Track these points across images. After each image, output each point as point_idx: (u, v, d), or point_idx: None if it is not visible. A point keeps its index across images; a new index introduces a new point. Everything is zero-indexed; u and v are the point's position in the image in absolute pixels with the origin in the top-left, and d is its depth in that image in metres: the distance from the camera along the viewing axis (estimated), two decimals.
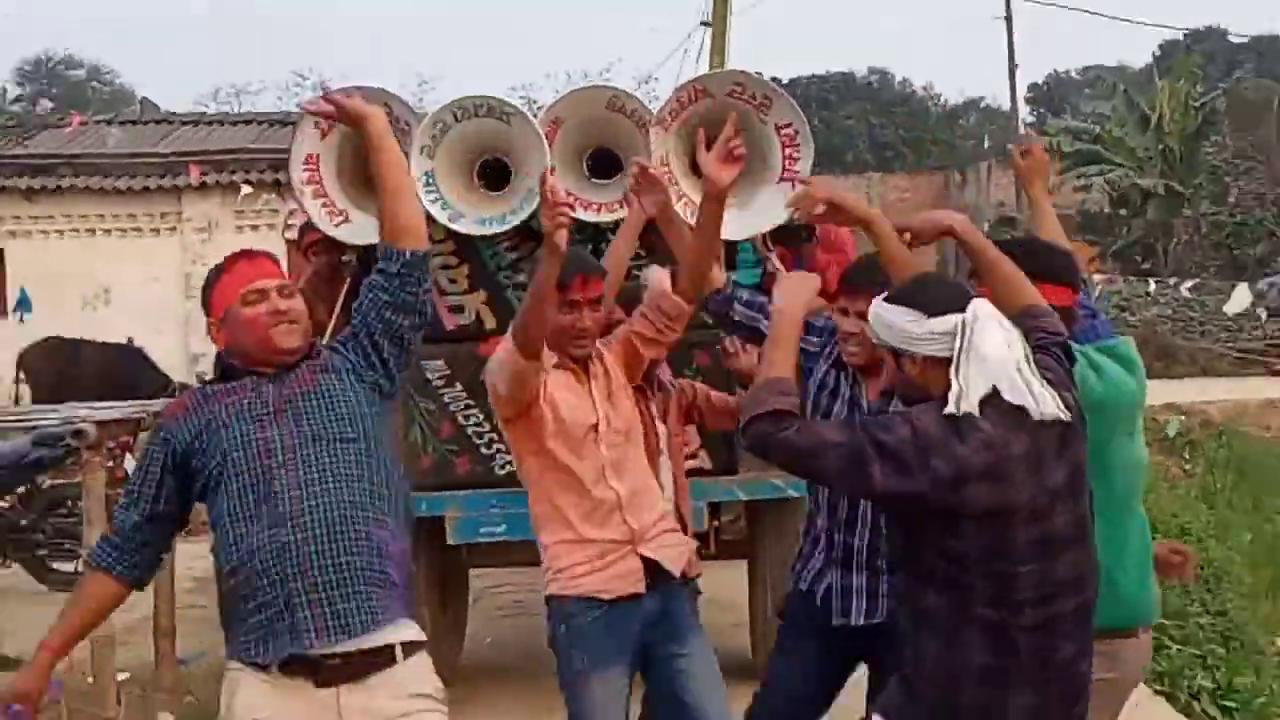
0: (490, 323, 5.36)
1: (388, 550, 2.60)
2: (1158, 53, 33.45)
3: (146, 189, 16.20)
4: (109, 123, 19.72)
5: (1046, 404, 2.39)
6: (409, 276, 2.61)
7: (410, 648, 2.54)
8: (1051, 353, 2.58)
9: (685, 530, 3.66)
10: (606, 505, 3.25)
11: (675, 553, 3.32)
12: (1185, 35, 28.65)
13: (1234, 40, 34.34)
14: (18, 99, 29.31)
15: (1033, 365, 2.44)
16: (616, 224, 4.90)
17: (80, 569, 5.97)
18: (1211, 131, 22.25)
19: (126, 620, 5.64)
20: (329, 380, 2.65)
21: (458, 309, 5.43)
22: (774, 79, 4.99)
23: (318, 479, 2.52)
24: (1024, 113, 9.37)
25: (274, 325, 2.57)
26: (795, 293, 2.84)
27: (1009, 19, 8.36)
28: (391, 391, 2.77)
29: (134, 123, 20.02)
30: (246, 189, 15.99)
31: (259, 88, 33.35)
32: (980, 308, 2.44)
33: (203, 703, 5.55)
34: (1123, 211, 20.84)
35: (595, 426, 3.33)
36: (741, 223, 4.91)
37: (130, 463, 8.12)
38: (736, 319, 3.51)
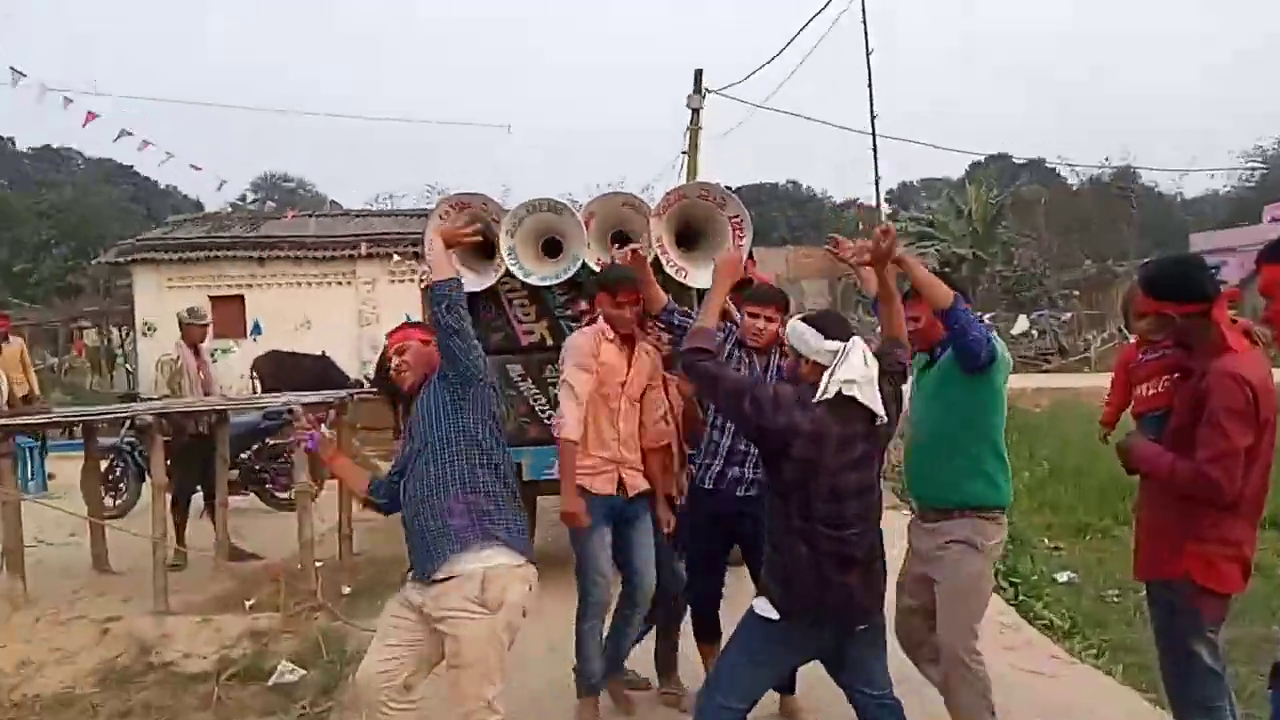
0: (550, 340, 6.46)
1: (451, 510, 3.27)
2: (968, 168, 39.89)
3: (333, 258, 19.37)
4: (310, 215, 23.51)
5: (879, 408, 3.14)
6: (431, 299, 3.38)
7: (453, 578, 3.22)
8: (890, 378, 3.30)
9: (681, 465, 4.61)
10: (607, 438, 4.39)
11: (637, 480, 4.39)
12: (985, 158, 33.90)
13: (1016, 161, 41.30)
14: (253, 200, 34.68)
15: (876, 383, 3.15)
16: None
17: (292, 497, 7.65)
18: (1002, 219, 29.22)
19: (322, 529, 7.05)
20: (429, 391, 3.45)
21: (529, 332, 6.54)
22: (727, 186, 6.48)
23: (419, 469, 3.37)
24: (885, 208, 11.48)
25: (398, 374, 3.54)
26: (725, 270, 3.63)
27: (875, 149, 10.52)
28: (466, 380, 3.35)
29: (326, 215, 23.97)
30: (397, 257, 19.21)
31: (404, 193, 39.57)
32: (855, 343, 3.16)
33: (367, 579, 6.90)
34: (948, 269, 25.47)
35: (622, 384, 4.39)
36: (706, 276, 5.01)
37: (326, 431, 10.46)
38: (675, 323, 4.56)
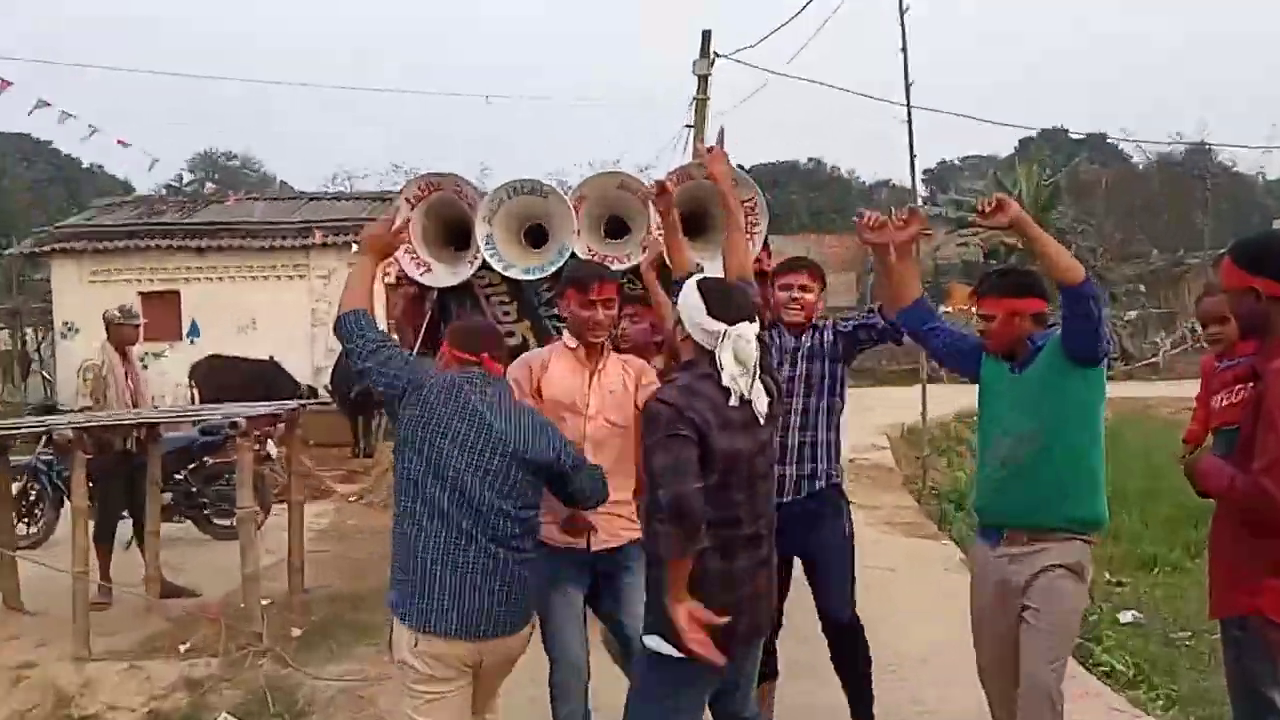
0: (533, 343, 6.19)
1: None
2: (1017, 145, 40.27)
3: (283, 247, 19.36)
4: (256, 199, 23.57)
5: (761, 400, 3.14)
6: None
7: None
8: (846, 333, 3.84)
9: None
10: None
11: (613, 527, 3.99)
12: (1037, 132, 34.05)
13: (1073, 137, 41.14)
14: (190, 182, 34.75)
15: (757, 370, 3.12)
16: (628, 271, 5.98)
17: (234, 524, 7.42)
18: (1056, 203, 28.49)
19: (268, 561, 7.06)
20: None
21: (510, 334, 6.24)
22: (740, 165, 6.50)
23: None
24: (921, 190, 11.38)
25: None
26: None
27: (910, 121, 10.46)
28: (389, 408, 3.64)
29: (274, 199, 24.19)
30: (355, 247, 19.30)
31: (365, 173, 39.46)
32: (741, 329, 3.10)
33: (321, 620, 6.80)
34: (993, 261, 25.02)
35: (579, 410, 4.00)
36: (716, 268, 5.33)
37: (271, 447, 9.85)
38: None
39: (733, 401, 3.07)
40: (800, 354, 4.54)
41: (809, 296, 4.55)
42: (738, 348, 3.07)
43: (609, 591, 4.05)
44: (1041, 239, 3.61)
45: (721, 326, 3.08)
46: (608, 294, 4.00)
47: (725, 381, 3.06)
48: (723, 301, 3.15)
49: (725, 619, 2.92)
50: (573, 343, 4.08)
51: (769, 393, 3.18)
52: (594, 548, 3.97)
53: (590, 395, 4.00)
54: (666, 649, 3.01)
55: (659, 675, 3.11)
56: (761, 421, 3.15)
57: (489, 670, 3.54)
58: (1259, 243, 3.18)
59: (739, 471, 3.09)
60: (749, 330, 3.10)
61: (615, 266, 5.98)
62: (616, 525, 4.00)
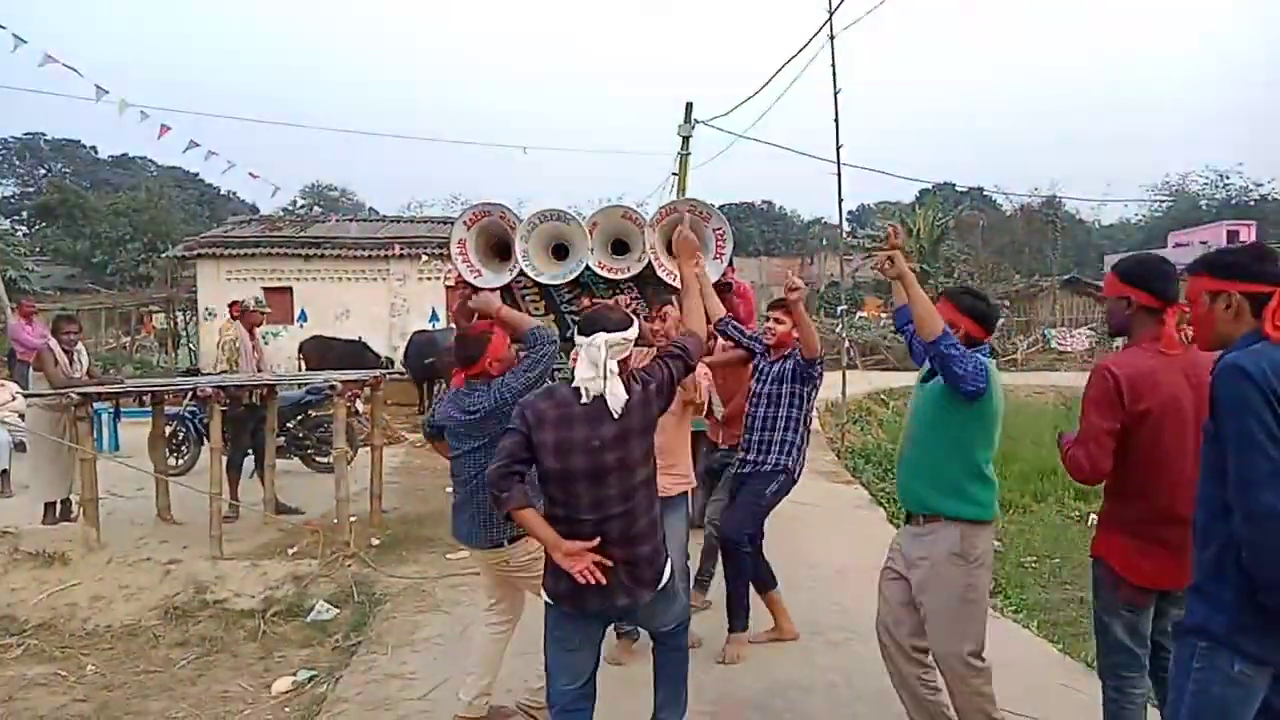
0: (555, 332, 6.68)
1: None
2: (917, 194, 39.90)
3: (370, 256, 19.22)
4: (350, 220, 23.67)
5: (618, 398, 2.81)
6: None
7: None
8: (665, 362, 2.99)
9: None
10: None
11: (665, 481, 3.55)
12: (932, 185, 33.99)
13: (959, 189, 41.68)
14: (302, 205, 34.76)
15: (609, 377, 2.79)
16: (629, 279, 6.23)
17: (330, 461, 7.53)
18: (945, 238, 29.23)
19: (355, 489, 6.99)
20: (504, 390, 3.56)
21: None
22: (711, 203, 6.52)
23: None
24: (845, 226, 11.38)
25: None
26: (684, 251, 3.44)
27: (839, 174, 10.42)
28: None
29: (364, 220, 24.16)
30: (425, 257, 19.14)
31: (432, 202, 39.80)
32: (594, 339, 2.83)
33: (394, 533, 6.85)
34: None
35: None
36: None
37: (359, 404, 9.97)
38: (729, 334, 4.79)
39: (584, 400, 2.80)
40: (769, 376, 4.59)
41: (781, 327, 4.57)
42: (588, 354, 2.82)
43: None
44: (915, 298, 3.12)
45: (582, 338, 2.88)
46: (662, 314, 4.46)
47: (575, 383, 2.83)
48: (584, 322, 2.94)
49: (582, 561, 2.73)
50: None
51: (629, 391, 2.83)
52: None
53: None
54: (546, 597, 2.94)
55: (549, 619, 2.98)
56: (615, 415, 2.80)
57: (486, 571, 3.78)
58: (1137, 260, 2.97)
59: (570, 469, 2.79)
60: (600, 339, 2.82)
61: (619, 276, 6.26)
62: (667, 480, 3.80)
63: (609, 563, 2.77)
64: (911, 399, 3.56)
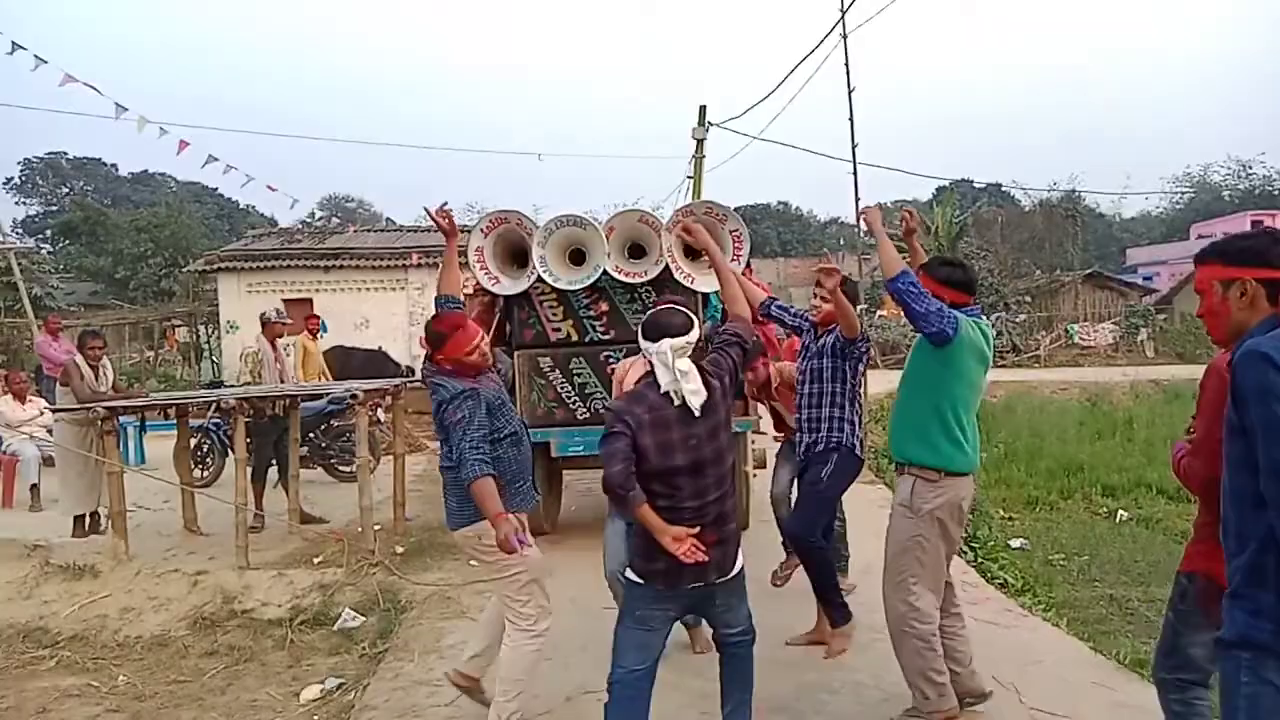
0: (574, 336, 6.39)
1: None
2: (935, 191, 39.47)
3: (388, 266, 19.39)
4: (368, 231, 23.85)
5: (699, 397, 2.93)
6: None
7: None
8: (726, 352, 3.14)
9: None
10: None
11: None
12: (950, 182, 33.50)
13: (976, 185, 42.16)
14: (320, 217, 35.07)
15: (683, 373, 2.91)
16: (646, 283, 6.22)
17: (353, 470, 7.64)
18: (964, 235, 28.50)
19: (378, 498, 7.01)
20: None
21: (557, 329, 6.43)
22: (727, 205, 6.42)
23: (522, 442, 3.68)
24: (862, 226, 11.43)
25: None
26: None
27: (855, 173, 10.43)
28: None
29: (381, 230, 24.28)
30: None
31: (450, 211, 39.88)
32: (660, 345, 2.94)
33: (418, 541, 6.88)
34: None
35: None
36: (710, 282, 5.99)
37: (381, 414, 9.83)
38: (774, 315, 4.61)
39: (676, 403, 2.92)
40: (813, 351, 4.45)
41: (827, 305, 4.38)
42: (658, 360, 2.95)
43: None
44: (880, 245, 3.43)
45: (650, 345, 2.97)
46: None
47: (663, 388, 2.94)
48: (646, 328, 3.03)
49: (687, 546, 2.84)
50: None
51: (708, 389, 2.97)
52: None
53: None
54: (634, 577, 3.05)
55: (631, 596, 3.09)
56: (697, 414, 2.93)
57: None
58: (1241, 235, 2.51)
59: (672, 464, 2.92)
60: (665, 344, 2.93)
61: (636, 280, 6.23)
62: None
63: (703, 548, 2.89)
64: None
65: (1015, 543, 6.91)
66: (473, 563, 6.02)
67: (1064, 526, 7.70)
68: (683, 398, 2.91)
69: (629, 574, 3.08)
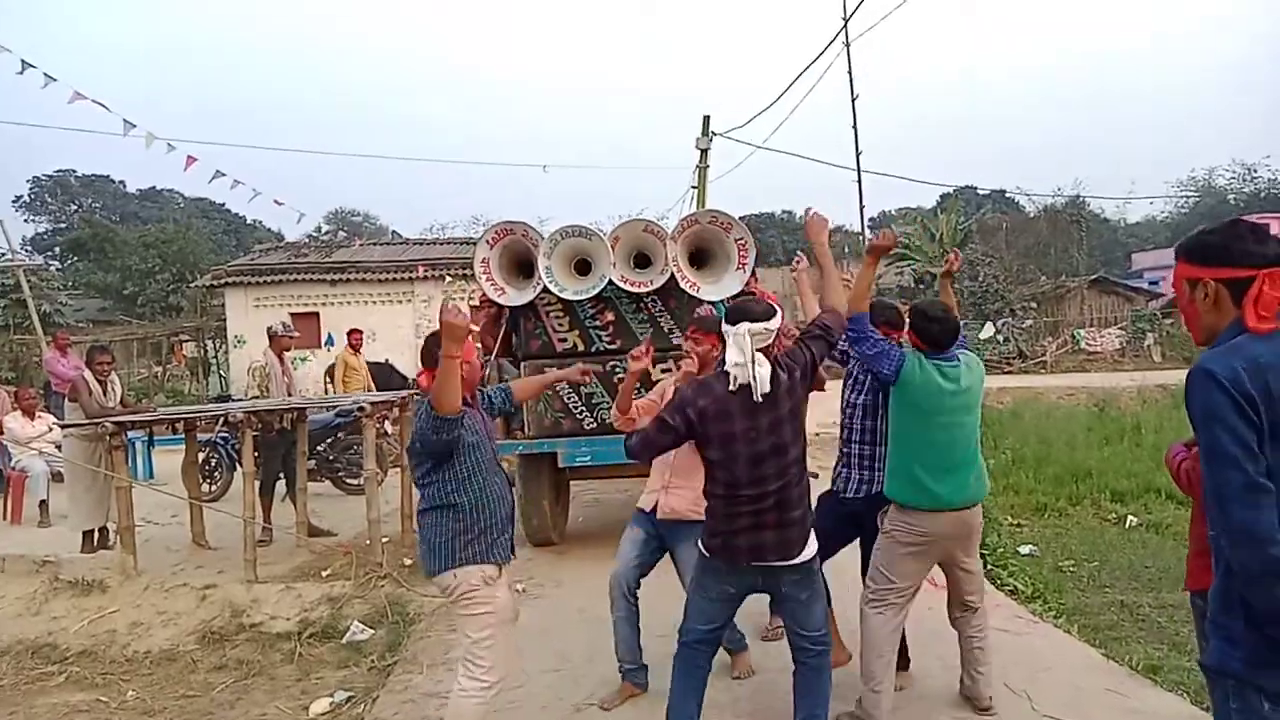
0: (580, 346, 6.35)
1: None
2: (939, 199, 39.18)
3: (395, 279, 19.48)
4: (375, 244, 23.85)
5: (762, 385, 2.98)
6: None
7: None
8: (806, 344, 3.16)
9: None
10: (660, 465, 3.97)
11: (671, 503, 3.93)
12: (954, 189, 33.89)
13: (980, 192, 41.70)
14: (326, 231, 35.32)
15: (755, 360, 2.96)
16: (652, 293, 6.19)
17: (361, 482, 7.64)
18: (969, 242, 27.74)
19: (386, 510, 7.01)
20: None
21: (563, 340, 6.42)
22: (731, 214, 6.39)
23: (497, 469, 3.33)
24: (867, 233, 11.34)
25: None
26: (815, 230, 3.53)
27: (859, 181, 10.39)
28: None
29: (387, 244, 24.33)
30: (449, 278, 19.34)
31: (454, 224, 40.23)
32: (738, 328, 3.00)
33: None
34: (920, 285, 25.34)
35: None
36: (715, 291, 5.99)
37: (388, 426, 9.78)
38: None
39: (731, 388, 3.00)
40: (863, 384, 4.04)
41: (699, 349, 4.05)
42: (735, 342, 3.02)
43: (675, 556, 4.03)
44: (825, 280, 3.41)
45: (729, 329, 3.07)
46: (695, 338, 4.01)
47: (726, 367, 3.03)
48: (730, 311, 3.13)
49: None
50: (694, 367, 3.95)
51: (775, 379, 3.03)
52: (659, 514, 3.98)
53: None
54: (702, 549, 3.22)
55: (699, 567, 3.28)
56: (758, 400, 2.98)
57: None
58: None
59: (732, 450, 3.03)
60: (744, 328, 3.01)
61: (642, 290, 6.23)
62: (683, 504, 3.89)
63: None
64: None
65: (1025, 549, 6.86)
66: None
67: (1073, 532, 7.63)
68: (740, 384, 2.97)
69: (700, 546, 3.24)
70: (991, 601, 5.34)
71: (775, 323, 3.07)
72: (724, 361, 3.08)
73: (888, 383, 3.56)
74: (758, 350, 3.00)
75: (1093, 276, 30.09)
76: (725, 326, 3.09)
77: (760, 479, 3.04)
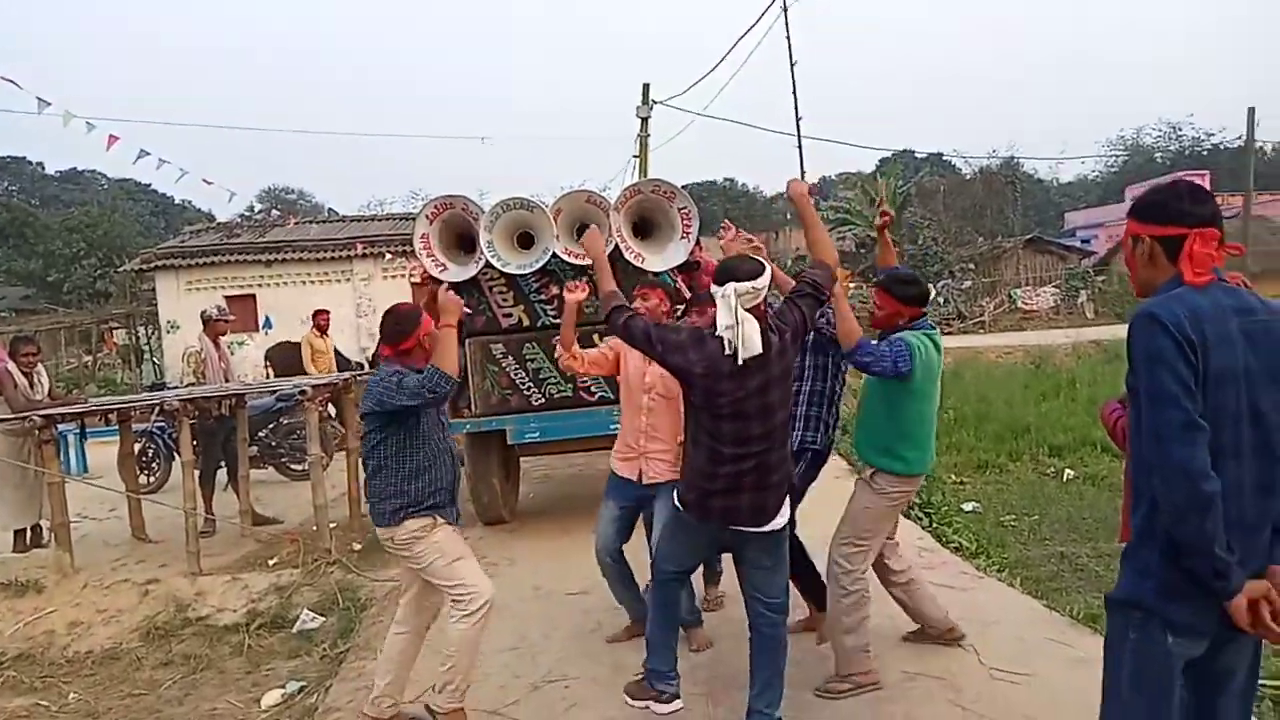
0: (526, 322, 6.31)
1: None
2: (878, 163, 39.97)
3: (332, 258, 18.98)
4: (310, 223, 23.13)
5: (750, 348, 2.92)
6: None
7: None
8: (801, 301, 3.12)
9: None
10: (633, 431, 4.11)
11: (656, 469, 4.05)
12: (892, 153, 34.75)
13: (918, 155, 42.24)
14: (259, 210, 34.17)
15: (741, 324, 2.90)
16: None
17: (305, 468, 7.51)
18: (908, 205, 28.51)
19: (332, 495, 6.90)
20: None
21: (508, 315, 6.35)
22: (674, 183, 6.38)
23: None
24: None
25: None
26: (594, 244, 3.60)
27: (800, 147, 10.63)
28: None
29: (324, 222, 23.65)
30: (388, 256, 18.89)
31: (392, 199, 39.28)
32: (725, 288, 2.95)
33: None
34: (862, 250, 25.39)
35: (644, 380, 4.05)
36: (660, 261, 5.95)
37: (332, 409, 9.56)
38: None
39: (726, 350, 2.94)
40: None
41: (647, 304, 4.22)
42: (723, 303, 2.96)
43: (646, 513, 4.23)
44: (841, 314, 3.54)
45: (718, 289, 3.00)
46: (643, 293, 4.25)
47: (718, 331, 2.98)
48: (720, 271, 3.06)
49: None
50: None
51: (766, 341, 2.96)
52: (644, 480, 4.10)
53: (647, 367, 4.04)
54: (675, 500, 3.25)
55: (672, 515, 3.33)
56: (741, 364, 2.93)
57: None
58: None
59: (717, 406, 2.99)
60: (730, 288, 2.94)
61: (587, 261, 5.99)
62: (658, 469, 4.09)
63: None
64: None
65: (968, 506, 7.04)
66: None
67: (1014, 488, 7.87)
68: (734, 348, 2.92)
69: (674, 498, 3.27)
70: (938, 559, 5.50)
71: (763, 281, 3.01)
72: (715, 325, 3.04)
73: (908, 377, 3.52)
74: (746, 310, 2.94)
75: (1027, 237, 30.84)
76: (713, 287, 3.03)
77: (744, 439, 3.00)
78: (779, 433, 3.07)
